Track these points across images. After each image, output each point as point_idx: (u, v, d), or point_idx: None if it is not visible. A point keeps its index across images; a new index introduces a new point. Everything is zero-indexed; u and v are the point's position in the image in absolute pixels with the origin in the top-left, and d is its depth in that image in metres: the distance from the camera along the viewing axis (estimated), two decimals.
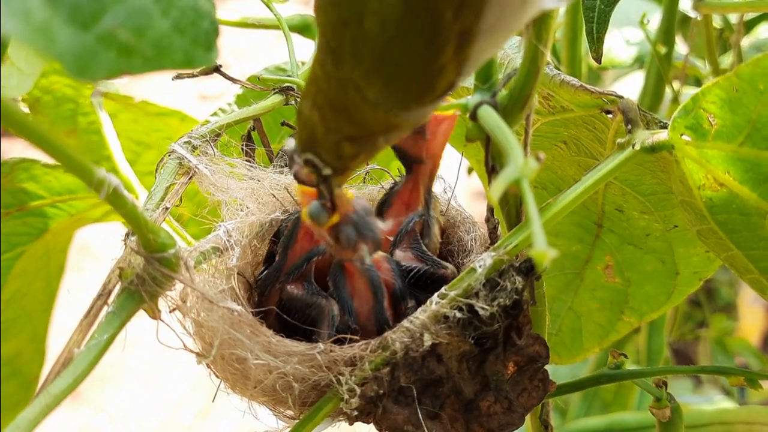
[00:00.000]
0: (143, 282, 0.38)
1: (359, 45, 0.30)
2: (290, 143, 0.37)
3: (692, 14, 0.76)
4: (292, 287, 0.48)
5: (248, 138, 0.58)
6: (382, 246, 0.45)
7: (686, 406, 0.61)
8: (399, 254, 0.50)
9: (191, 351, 0.43)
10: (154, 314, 0.39)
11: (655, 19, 0.92)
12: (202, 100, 3.15)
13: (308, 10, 0.69)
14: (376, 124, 0.33)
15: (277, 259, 0.49)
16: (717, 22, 0.97)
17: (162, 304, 0.40)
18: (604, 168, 0.44)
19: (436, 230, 0.52)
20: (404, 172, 0.52)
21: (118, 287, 0.39)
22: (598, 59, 0.59)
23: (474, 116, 0.40)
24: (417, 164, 0.50)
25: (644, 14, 0.84)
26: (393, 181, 0.53)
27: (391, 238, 0.51)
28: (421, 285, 0.48)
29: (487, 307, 0.40)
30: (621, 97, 0.47)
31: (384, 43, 0.30)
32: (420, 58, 0.30)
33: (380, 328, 0.45)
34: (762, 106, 0.38)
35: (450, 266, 0.50)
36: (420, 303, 0.46)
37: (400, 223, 0.51)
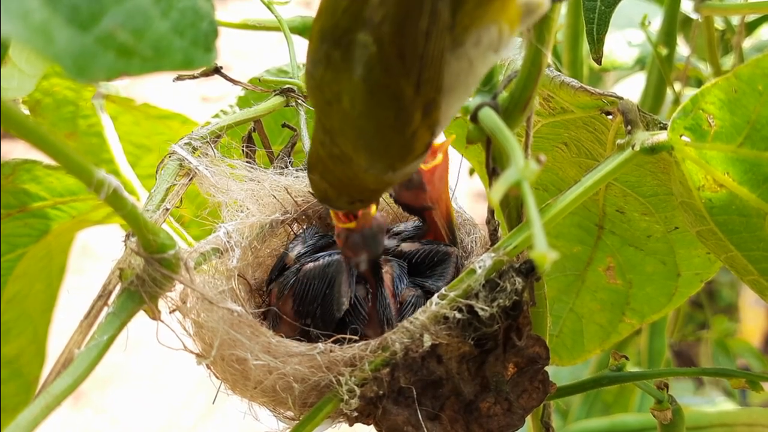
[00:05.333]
0: (143, 283, 0.38)
1: (343, 122, 0.35)
2: None
3: (694, 16, 0.76)
4: (308, 263, 0.49)
5: (249, 139, 0.58)
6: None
7: (688, 407, 0.61)
8: (404, 245, 0.52)
9: (191, 352, 0.43)
10: (154, 315, 0.39)
11: (657, 21, 0.91)
12: (203, 102, 3.15)
13: (309, 12, 0.69)
14: (374, 184, 0.40)
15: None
16: (718, 24, 0.97)
17: (162, 305, 0.40)
18: (604, 169, 0.44)
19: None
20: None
21: (118, 288, 0.39)
22: (598, 60, 0.59)
23: (475, 118, 0.40)
24: (427, 212, 0.52)
25: (645, 16, 0.84)
26: (417, 224, 0.55)
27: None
28: (427, 265, 0.50)
29: (486, 308, 0.40)
30: (621, 98, 0.47)
31: (357, 117, 0.34)
32: (392, 128, 0.35)
33: (382, 313, 0.48)
34: (761, 106, 0.38)
35: (454, 249, 0.51)
36: (426, 291, 0.48)
37: None
